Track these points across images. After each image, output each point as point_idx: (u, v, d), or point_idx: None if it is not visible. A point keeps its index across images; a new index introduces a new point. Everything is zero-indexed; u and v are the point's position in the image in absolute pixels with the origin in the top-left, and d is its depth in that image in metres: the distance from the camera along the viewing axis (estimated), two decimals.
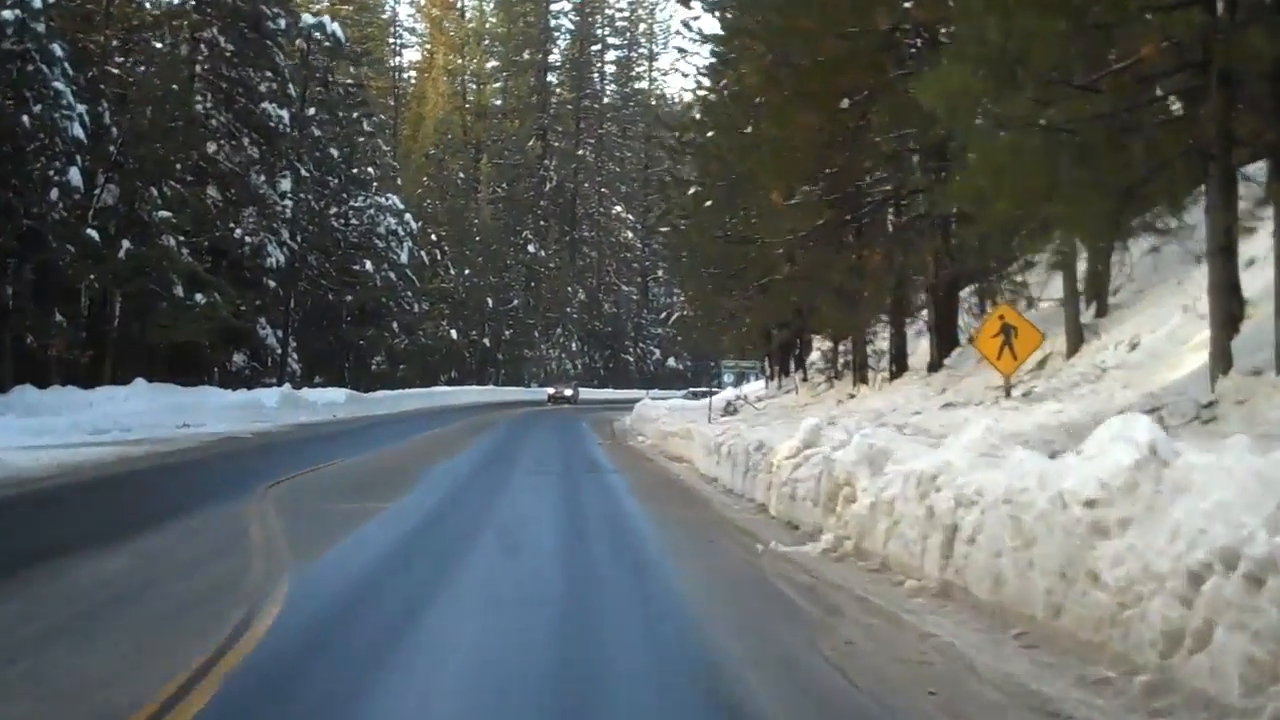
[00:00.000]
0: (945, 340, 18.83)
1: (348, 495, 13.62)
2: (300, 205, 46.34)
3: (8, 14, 28.06)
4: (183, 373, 35.35)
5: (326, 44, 48.90)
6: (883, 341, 24.02)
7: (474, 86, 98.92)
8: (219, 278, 37.22)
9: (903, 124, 17.31)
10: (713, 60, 32.65)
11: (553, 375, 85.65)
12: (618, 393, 77.91)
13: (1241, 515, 4.74)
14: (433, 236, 71.12)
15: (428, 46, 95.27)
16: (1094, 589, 5.54)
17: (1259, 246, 12.44)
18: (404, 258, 57.20)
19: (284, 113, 41.93)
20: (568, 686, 5.40)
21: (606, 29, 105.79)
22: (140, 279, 32.77)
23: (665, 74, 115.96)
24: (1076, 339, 15.62)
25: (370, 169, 58.03)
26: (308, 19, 47.61)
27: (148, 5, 37.26)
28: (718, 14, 28.87)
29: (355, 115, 55.22)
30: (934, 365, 18.77)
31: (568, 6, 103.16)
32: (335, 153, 52.99)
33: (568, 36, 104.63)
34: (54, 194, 29.29)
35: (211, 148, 39.17)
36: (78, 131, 29.83)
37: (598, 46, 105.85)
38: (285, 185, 43.23)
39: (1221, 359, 10.67)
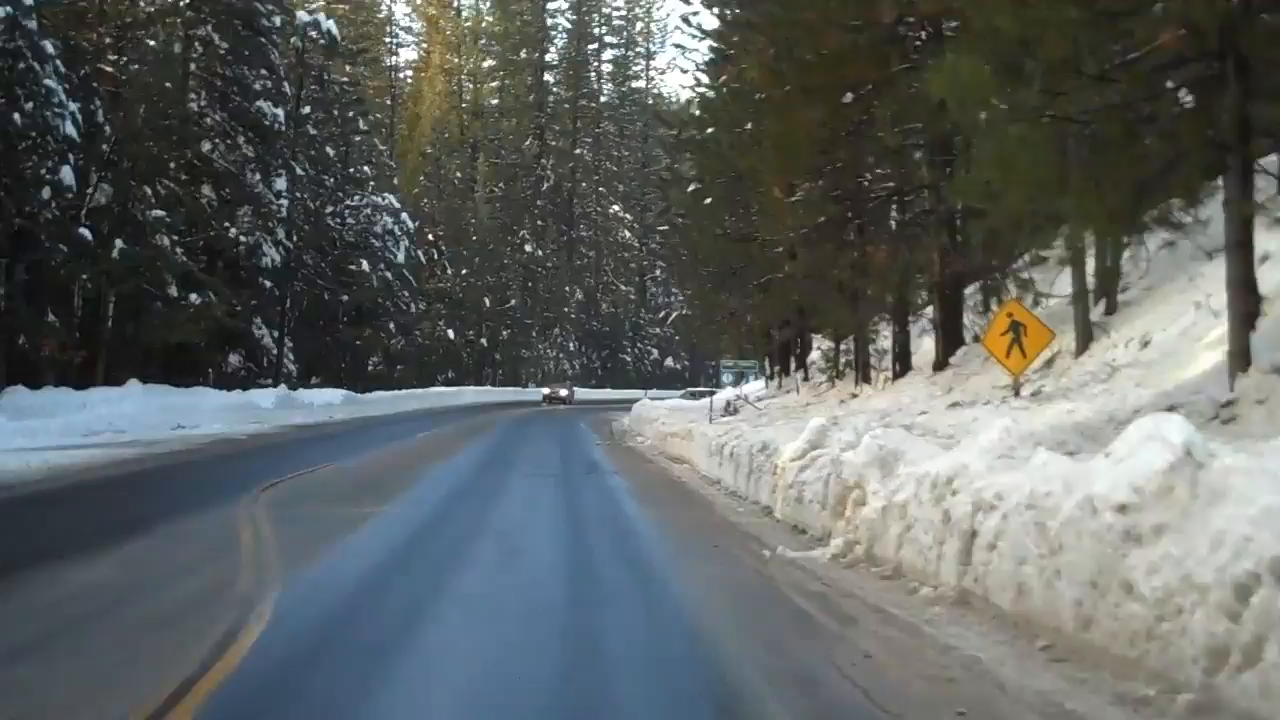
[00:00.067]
0: (951, 338, 18.52)
1: (342, 499, 13.30)
2: (296, 204, 45.99)
3: None
4: (177, 374, 35.02)
5: (322, 42, 48.56)
6: (885, 340, 23.70)
7: (470, 86, 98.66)
8: (214, 278, 36.92)
9: (907, 118, 17.03)
10: (712, 56, 32.38)
11: (550, 375, 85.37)
12: (615, 393, 77.58)
13: None
14: (429, 236, 70.87)
15: (424, 46, 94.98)
16: (1128, 600, 5.22)
17: (1274, 243, 12.16)
18: (401, 257, 56.90)
19: (279, 111, 41.57)
20: (571, 705, 5.09)
21: (603, 28, 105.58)
22: (134, 279, 32.46)
23: (663, 73, 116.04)
24: (1086, 337, 15.29)
25: (366, 168, 57.76)
26: (303, 17, 47.31)
27: (141, 2, 36.88)
28: (716, 10, 28.56)
29: (351, 114, 54.91)
30: (939, 364, 18.45)
31: (564, 5, 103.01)
32: (331, 152, 52.71)
33: (565, 36, 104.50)
34: (46, 193, 28.96)
35: (206, 146, 38.81)
36: (70, 130, 29.54)
37: (595, 46, 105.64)
38: (280, 184, 42.84)
39: (1240, 357, 10.35)
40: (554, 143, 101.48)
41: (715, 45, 30.74)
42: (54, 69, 29.44)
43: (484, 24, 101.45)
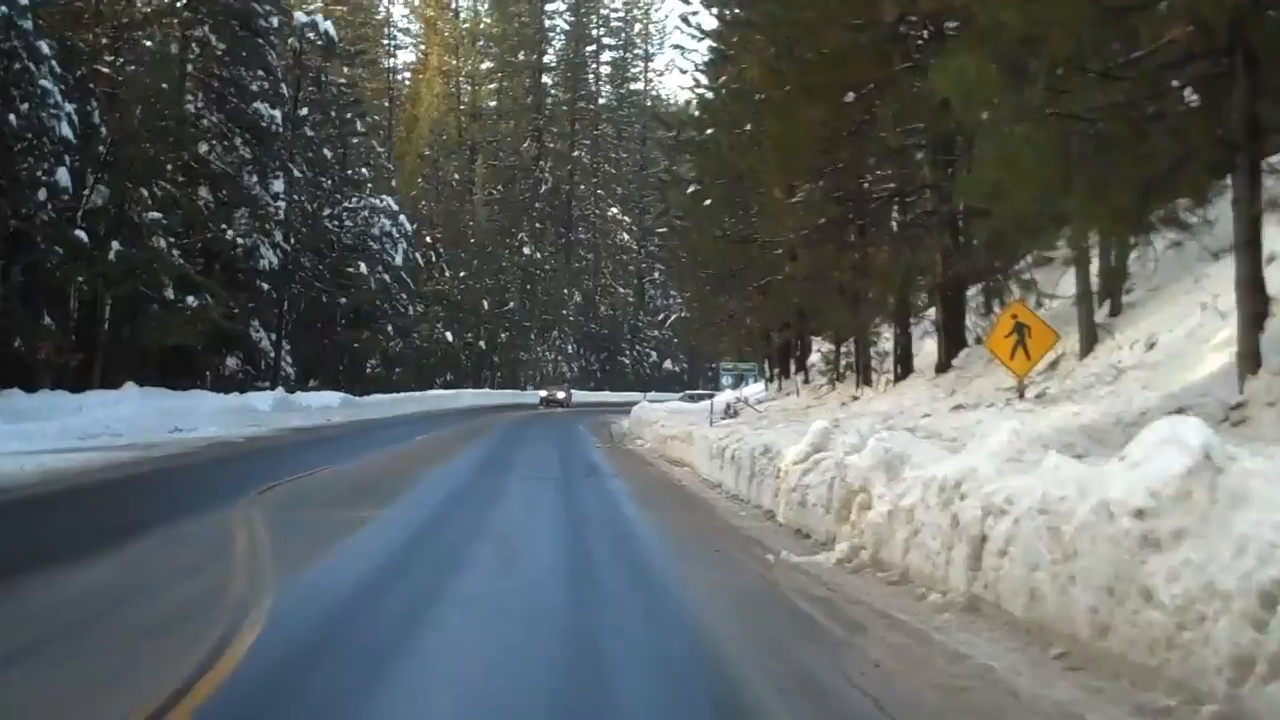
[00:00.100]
0: (953, 340, 18.37)
1: (339, 502, 13.14)
2: (293, 206, 45.86)
3: None
4: (174, 376, 34.83)
5: (319, 43, 48.42)
6: (886, 342, 23.56)
7: (468, 88, 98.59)
8: (211, 280, 36.76)
9: (909, 118, 16.90)
10: (711, 56, 32.24)
11: (549, 378, 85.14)
12: (614, 395, 77.43)
13: None
14: (427, 239, 70.75)
15: (422, 47, 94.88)
16: (1147, 607, 5.06)
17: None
18: (399, 260, 56.77)
19: (276, 112, 41.42)
20: (574, 715, 4.95)
21: (601, 30, 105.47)
22: (130, 281, 32.29)
23: (661, 75, 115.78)
24: (1090, 339, 15.15)
25: (364, 170, 57.64)
26: (300, 18, 47.17)
27: (137, 3, 36.71)
28: (716, 10, 28.42)
29: (349, 115, 54.78)
30: (942, 366, 18.30)
31: (562, 7, 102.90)
32: (329, 153, 52.60)
33: (563, 37, 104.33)
34: (42, 194, 28.80)
35: (203, 148, 38.67)
36: (66, 131, 29.37)
37: (593, 47, 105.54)
38: (278, 186, 42.66)
39: (1249, 358, 10.21)
40: (552, 145, 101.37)
41: (715, 45, 30.59)
42: (50, 70, 29.28)
43: (482, 26, 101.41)
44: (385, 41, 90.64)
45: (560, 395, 65.70)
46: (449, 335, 71.80)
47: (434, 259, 72.26)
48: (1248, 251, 10.42)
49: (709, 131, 29.62)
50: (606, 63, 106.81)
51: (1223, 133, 9.93)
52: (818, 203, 19.76)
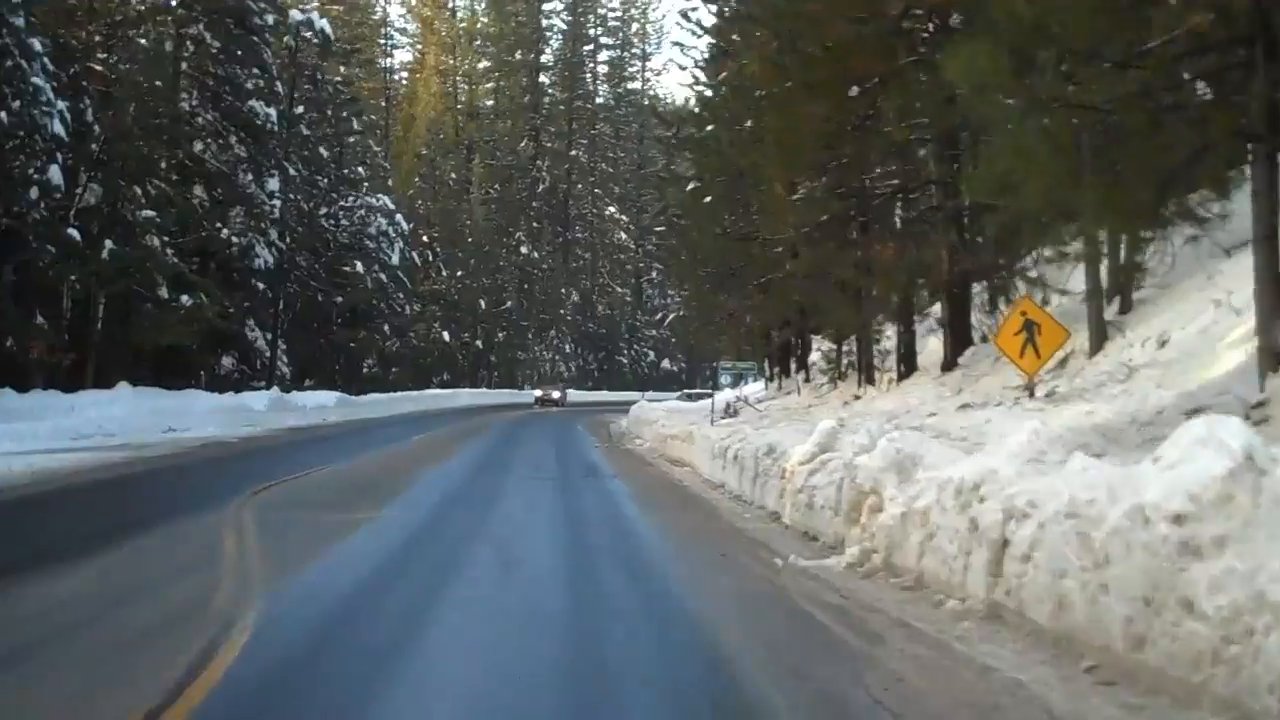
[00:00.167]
0: (959, 338, 18.05)
1: (334, 504, 12.83)
2: (289, 205, 45.51)
3: None
4: (169, 376, 34.50)
5: (315, 41, 48.07)
6: (888, 340, 23.26)
7: (466, 87, 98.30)
8: (205, 279, 36.43)
9: (914, 113, 16.59)
10: (711, 52, 31.92)
11: (546, 377, 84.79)
12: (612, 395, 77.17)
13: None
14: (424, 238, 70.48)
15: (419, 47, 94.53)
16: (1188, 619, 4.76)
17: None
18: (395, 259, 56.46)
19: (272, 111, 41.09)
20: None
21: (599, 29, 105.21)
22: (124, 280, 31.96)
23: (658, 74, 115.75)
24: (1100, 336, 14.82)
25: (360, 169, 57.32)
26: (296, 15, 46.76)
27: (131, 0, 36.32)
28: (715, 5, 28.15)
29: (345, 114, 54.45)
30: (947, 364, 17.99)
31: (560, 6, 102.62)
32: (325, 152, 52.26)
33: (560, 37, 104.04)
34: (34, 193, 28.44)
35: (197, 146, 38.34)
36: (58, 128, 29.03)
37: (590, 47, 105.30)
38: (273, 185, 42.29)
39: (1270, 354, 9.91)
40: (549, 144, 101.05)
41: (714, 42, 30.28)
42: (42, 67, 28.94)
43: (479, 25, 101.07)
44: (382, 41, 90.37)
45: (555, 395, 65.45)
46: (446, 335, 71.49)
47: (431, 258, 71.96)
48: (1267, 245, 10.12)
49: (709, 128, 29.29)
50: (604, 62, 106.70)
51: (1246, 122, 9.61)
52: (819, 199, 19.44)
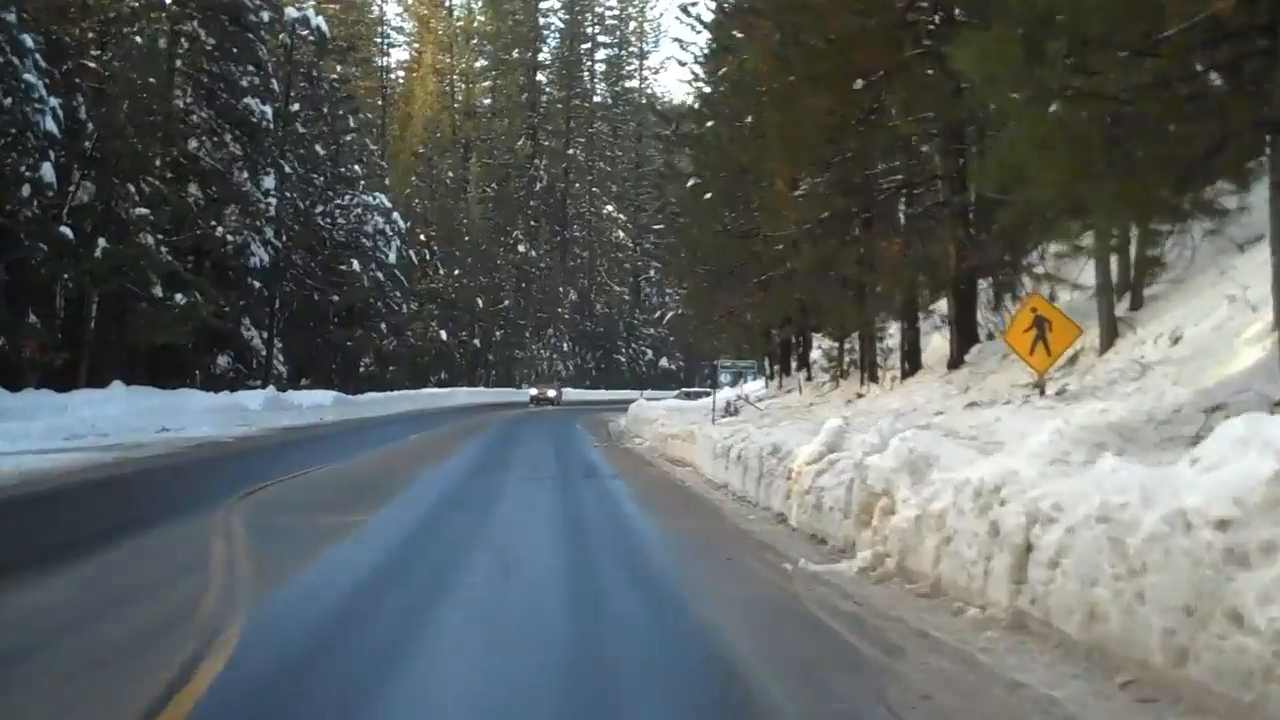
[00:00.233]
0: (965, 335, 17.74)
1: (327, 506, 12.53)
2: (285, 203, 45.14)
3: None
4: (164, 375, 34.18)
5: (311, 39, 47.74)
6: (891, 338, 22.96)
7: (463, 86, 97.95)
8: (200, 277, 36.08)
9: (919, 107, 16.29)
10: (711, 48, 31.61)
11: (544, 376, 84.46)
12: (610, 394, 76.95)
13: None
14: (421, 236, 70.16)
15: (416, 45, 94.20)
16: (1237, 632, 4.44)
17: None
18: (392, 257, 56.13)
19: (267, 108, 40.72)
20: None
21: (596, 27, 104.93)
22: (117, 278, 31.58)
23: (656, 73, 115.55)
24: (1111, 333, 14.53)
25: (356, 167, 56.96)
26: (291, 12, 46.35)
27: None
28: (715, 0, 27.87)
29: (341, 112, 54.10)
30: (954, 362, 17.68)
31: (557, 5, 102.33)
32: (320, 150, 51.90)
33: (557, 35, 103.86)
34: (26, 190, 28.13)
35: (192, 144, 37.97)
36: (50, 125, 28.72)
37: (587, 45, 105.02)
38: (269, 183, 41.97)
39: None
40: (547, 143, 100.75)
41: (714, 37, 29.98)
42: (34, 63, 28.64)
43: (476, 23, 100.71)
44: (378, 40, 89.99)
45: (551, 393, 65.33)
46: (443, 333, 71.15)
47: (428, 257, 71.65)
48: None
49: (709, 124, 29.01)
50: (601, 60, 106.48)
51: (1269, 110, 9.30)
52: (822, 195, 19.12)
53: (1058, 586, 5.80)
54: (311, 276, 49.81)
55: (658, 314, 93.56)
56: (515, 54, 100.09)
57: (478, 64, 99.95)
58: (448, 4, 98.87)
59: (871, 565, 8.08)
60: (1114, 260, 15.17)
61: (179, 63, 38.43)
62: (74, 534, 10.25)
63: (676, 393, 60.90)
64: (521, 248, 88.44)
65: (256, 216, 40.71)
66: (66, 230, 29.92)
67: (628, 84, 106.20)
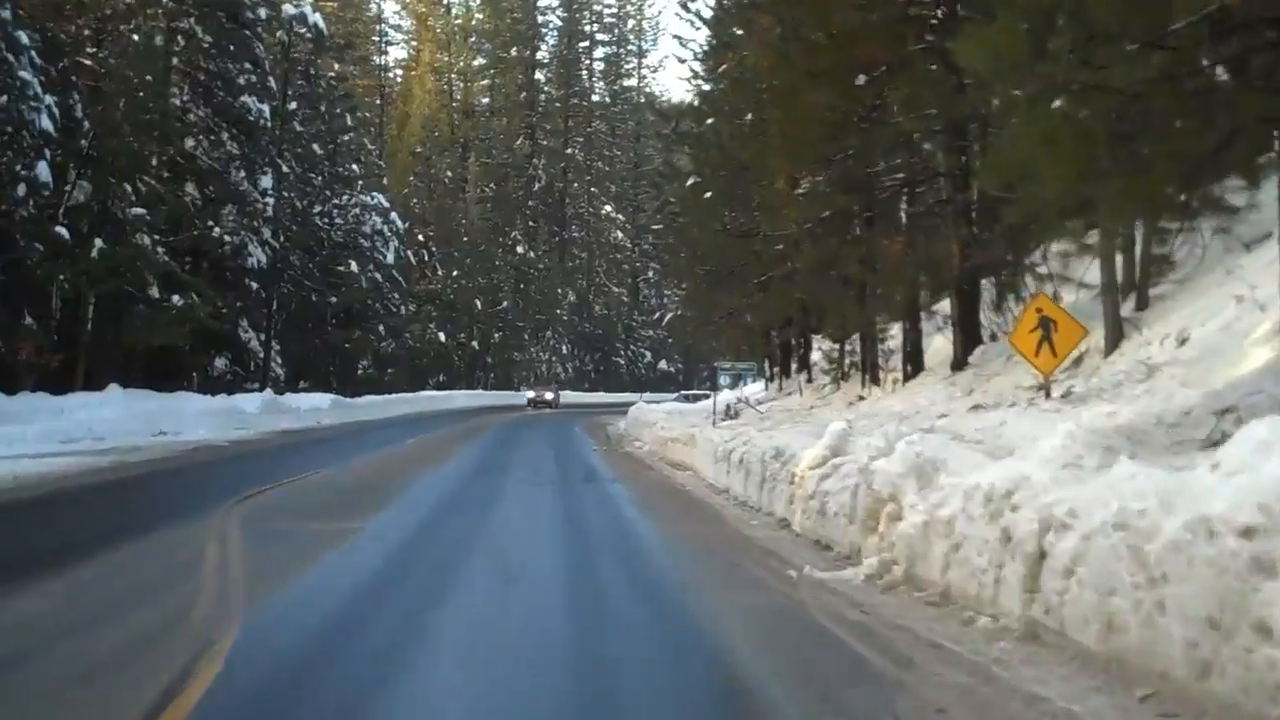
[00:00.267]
0: (969, 336, 17.56)
1: (323, 512, 12.32)
2: (282, 203, 44.87)
3: None
4: (160, 378, 33.90)
5: (308, 37, 47.51)
6: (893, 340, 22.78)
7: (461, 84, 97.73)
8: (197, 278, 35.82)
9: (922, 103, 16.11)
10: (713, 42, 31.39)
11: (543, 379, 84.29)
12: (608, 396, 76.83)
13: None
14: (420, 237, 69.94)
15: (414, 44, 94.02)
16: (1264, 644, 4.26)
17: None
18: (390, 258, 55.89)
19: (264, 107, 40.44)
20: None
21: (595, 26, 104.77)
22: (114, 279, 31.30)
23: (655, 71, 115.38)
24: (1116, 334, 14.34)
25: (354, 166, 56.73)
26: (289, 10, 46.07)
27: None
28: None
29: (339, 111, 53.86)
30: (958, 364, 17.49)
31: (555, 3, 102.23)
32: (318, 149, 51.65)
33: (555, 34, 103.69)
34: (21, 190, 27.85)
35: (189, 143, 37.69)
36: (46, 124, 28.46)
37: (586, 44, 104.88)
38: (266, 182, 41.71)
39: None
40: (545, 142, 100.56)
41: (714, 33, 29.78)
42: (29, 61, 28.39)
43: (474, 22, 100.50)
44: (376, 38, 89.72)
45: (548, 396, 65.31)
46: (442, 335, 70.92)
47: (426, 258, 71.43)
48: None
49: (709, 122, 28.83)
50: (599, 59, 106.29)
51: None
52: (824, 194, 18.96)
53: (1073, 596, 5.62)
54: (309, 277, 49.58)
55: (656, 315, 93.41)
56: (513, 52, 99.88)
57: (476, 62, 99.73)
58: (446, 2, 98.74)
59: (878, 572, 7.91)
60: (1118, 259, 14.99)
61: (175, 60, 38.16)
62: (66, 540, 10.05)
63: (676, 395, 60.80)
64: (520, 248, 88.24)
65: (254, 216, 40.44)
66: (62, 230, 29.64)
67: (626, 83, 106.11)
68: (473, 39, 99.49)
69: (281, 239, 44.91)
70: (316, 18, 47.83)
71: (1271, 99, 9.38)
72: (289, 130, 46.85)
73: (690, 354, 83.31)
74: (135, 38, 35.60)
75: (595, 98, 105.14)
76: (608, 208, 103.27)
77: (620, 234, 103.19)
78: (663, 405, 40.01)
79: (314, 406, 38.93)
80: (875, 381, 21.66)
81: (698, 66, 35.74)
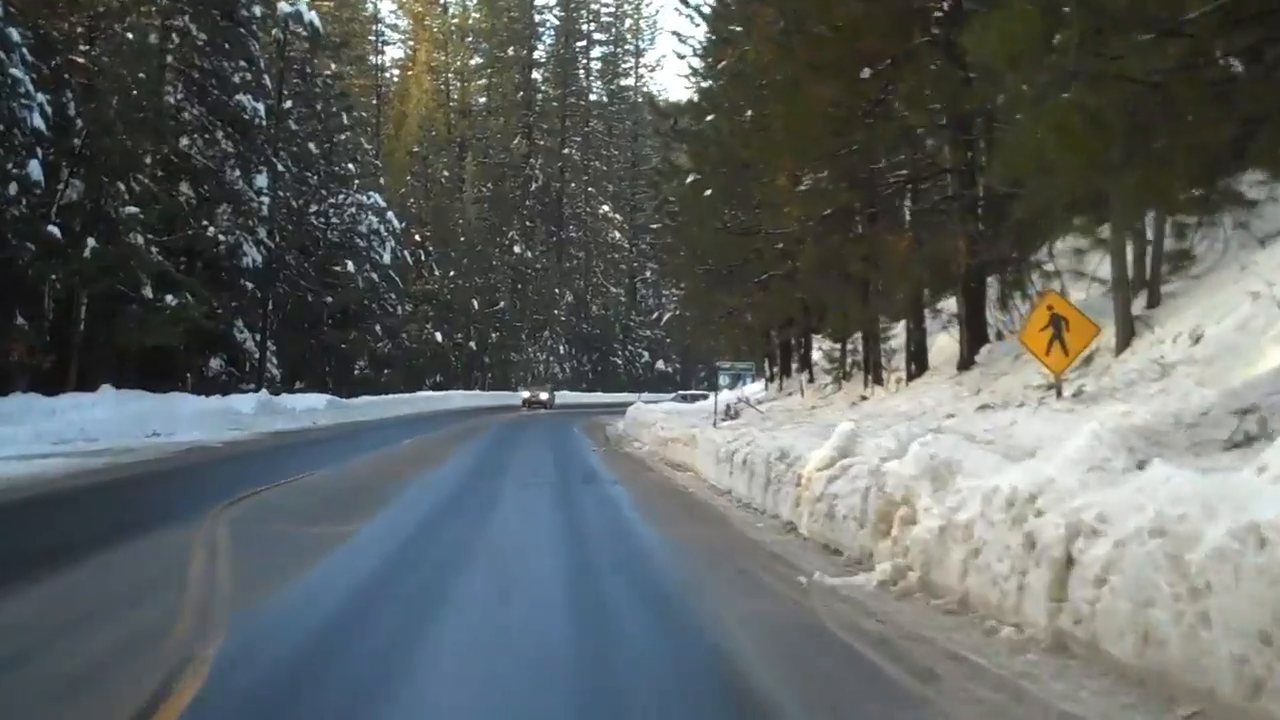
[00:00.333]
0: (975, 335, 17.26)
1: (317, 515, 11.99)
2: (278, 203, 44.52)
3: None
4: (154, 378, 33.53)
5: (304, 35, 47.17)
6: (895, 339, 22.48)
7: (458, 84, 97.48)
8: (192, 278, 35.48)
9: (928, 97, 15.81)
10: (712, 38, 31.07)
11: (540, 379, 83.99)
12: (606, 396, 76.57)
13: None
14: (416, 237, 69.62)
15: (410, 43, 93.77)
16: None
17: None
18: (387, 258, 55.57)
19: (260, 105, 40.09)
20: None
21: (592, 25, 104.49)
22: (107, 279, 30.95)
23: (652, 70, 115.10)
24: (1127, 332, 14.03)
25: (350, 165, 56.39)
26: (284, 7, 45.67)
27: None
28: None
29: (335, 109, 53.51)
30: (964, 362, 17.19)
31: (552, 2, 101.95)
32: (314, 148, 51.28)
33: (552, 33, 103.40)
34: (13, 188, 27.54)
35: (183, 141, 37.37)
36: (38, 122, 28.16)
37: (583, 43, 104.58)
38: (262, 181, 41.32)
39: None
40: (542, 142, 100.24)
41: (714, 29, 29.47)
42: (21, 58, 28.06)
43: (471, 21, 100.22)
44: (372, 38, 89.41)
45: (544, 396, 65.16)
46: (438, 335, 70.57)
47: (423, 257, 71.11)
48: None
49: (708, 118, 28.53)
50: (597, 58, 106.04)
51: None
52: (826, 190, 18.65)
53: (1105, 606, 5.32)
54: (305, 277, 49.22)
55: (654, 315, 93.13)
56: (510, 51, 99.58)
57: (472, 62, 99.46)
58: (442, 1, 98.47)
59: (892, 579, 7.61)
60: (1129, 254, 14.69)
61: (170, 58, 37.81)
62: (52, 544, 9.69)
63: (674, 395, 60.50)
64: (517, 248, 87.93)
65: (249, 216, 40.08)
66: (55, 229, 29.30)
67: (623, 82, 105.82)
68: (469, 38, 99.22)
69: (277, 239, 44.56)
70: (312, 16, 47.48)
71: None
72: (284, 129, 46.50)
73: (688, 354, 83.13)
74: (129, 35, 35.20)
75: (593, 97, 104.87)
76: (605, 207, 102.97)
77: (618, 234, 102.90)
78: (660, 405, 39.70)
79: (310, 407, 38.60)
80: (878, 381, 21.37)
81: (697, 63, 35.43)
